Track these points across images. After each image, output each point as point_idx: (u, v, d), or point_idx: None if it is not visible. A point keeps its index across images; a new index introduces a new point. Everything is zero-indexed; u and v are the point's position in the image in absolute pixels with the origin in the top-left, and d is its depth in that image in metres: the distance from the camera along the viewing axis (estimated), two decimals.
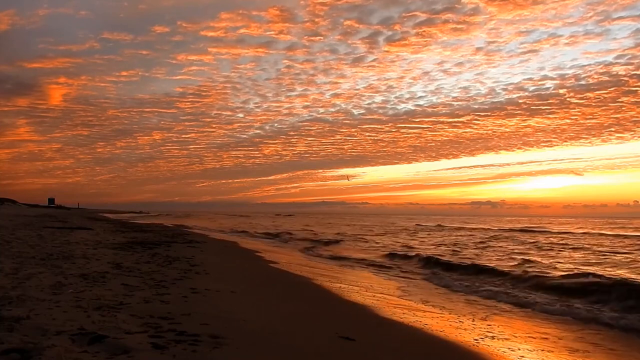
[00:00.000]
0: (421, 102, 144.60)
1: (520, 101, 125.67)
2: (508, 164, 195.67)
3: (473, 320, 8.78)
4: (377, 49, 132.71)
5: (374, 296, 10.70)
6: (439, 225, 59.50)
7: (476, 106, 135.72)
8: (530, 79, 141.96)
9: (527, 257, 20.02)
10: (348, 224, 63.69)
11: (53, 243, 15.95)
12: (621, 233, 41.47)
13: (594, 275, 13.55)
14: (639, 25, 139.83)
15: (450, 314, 9.33)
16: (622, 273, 15.04)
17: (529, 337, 7.76)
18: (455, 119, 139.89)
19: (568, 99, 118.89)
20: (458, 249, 25.23)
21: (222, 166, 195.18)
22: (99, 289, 7.83)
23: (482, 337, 7.41)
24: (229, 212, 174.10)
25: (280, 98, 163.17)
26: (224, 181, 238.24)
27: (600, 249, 25.11)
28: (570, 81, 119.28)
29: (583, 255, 21.91)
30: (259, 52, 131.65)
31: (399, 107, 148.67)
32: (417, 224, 64.81)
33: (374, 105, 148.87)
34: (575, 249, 25.46)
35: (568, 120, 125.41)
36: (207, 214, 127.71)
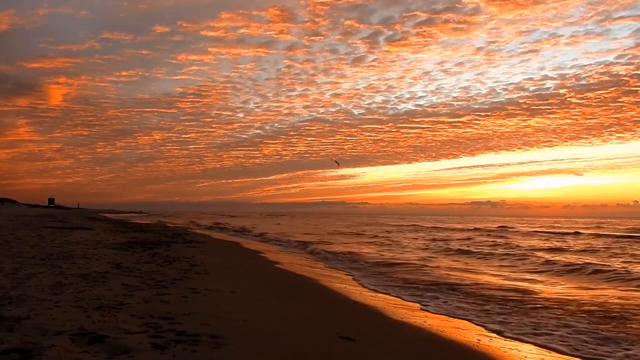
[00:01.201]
0: (421, 102, 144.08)
1: (521, 101, 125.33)
2: (508, 164, 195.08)
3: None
4: (377, 49, 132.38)
5: (376, 296, 10.71)
6: (413, 225, 61.82)
7: (476, 106, 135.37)
8: (530, 78, 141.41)
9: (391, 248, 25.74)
10: (329, 224, 62.32)
11: (53, 243, 15.95)
12: (581, 231, 43.25)
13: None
14: None
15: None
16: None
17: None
18: (456, 119, 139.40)
19: (568, 99, 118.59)
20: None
21: (222, 166, 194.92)
22: (99, 289, 7.83)
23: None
24: (217, 212, 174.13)
25: (280, 98, 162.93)
26: (224, 181, 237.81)
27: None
28: (571, 81, 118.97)
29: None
30: (259, 52, 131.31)
31: (399, 107, 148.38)
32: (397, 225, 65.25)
33: (374, 105, 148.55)
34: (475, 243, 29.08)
35: (568, 120, 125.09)
36: (195, 214, 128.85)
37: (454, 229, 48.49)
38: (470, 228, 51.50)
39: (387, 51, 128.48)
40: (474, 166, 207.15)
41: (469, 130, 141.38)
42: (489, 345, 6.82)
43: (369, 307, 9.13)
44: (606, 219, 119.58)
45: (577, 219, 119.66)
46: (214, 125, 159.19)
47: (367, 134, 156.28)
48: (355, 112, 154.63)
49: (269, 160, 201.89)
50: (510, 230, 47.04)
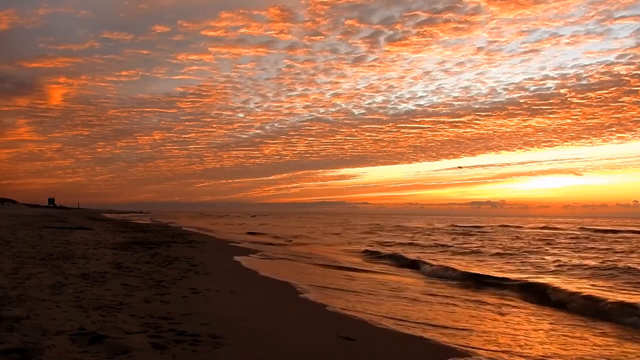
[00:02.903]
0: (422, 102, 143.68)
1: (521, 101, 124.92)
2: (508, 164, 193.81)
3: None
4: (377, 49, 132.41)
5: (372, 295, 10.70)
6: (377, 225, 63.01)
7: (477, 106, 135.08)
8: (531, 78, 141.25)
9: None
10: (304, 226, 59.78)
11: (53, 243, 15.95)
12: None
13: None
14: None
15: None
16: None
17: None
18: (456, 119, 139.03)
19: (569, 99, 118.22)
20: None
21: (222, 166, 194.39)
22: (99, 289, 7.84)
23: None
24: (204, 211, 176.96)
25: (280, 98, 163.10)
26: (224, 181, 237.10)
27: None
28: (572, 81, 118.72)
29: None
30: (259, 51, 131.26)
31: (399, 106, 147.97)
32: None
33: (375, 105, 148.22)
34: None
35: (569, 120, 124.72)
36: (183, 213, 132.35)
37: (415, 229, 48.81)
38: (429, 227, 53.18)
39: (388, 51, 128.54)
40: (475, 166, 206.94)
41: (469, 130, 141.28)
42: None
43: (368, 306, 9.13)
44: (606, 218, 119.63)
45: (576, 218, 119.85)
46: (214, 125, 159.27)
47: (368, 133, 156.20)
48: (356, 112, 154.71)
49: (269, 160, 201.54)
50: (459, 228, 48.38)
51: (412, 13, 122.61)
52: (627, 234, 36.62)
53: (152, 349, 4.72)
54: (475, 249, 23.56)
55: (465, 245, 25.52)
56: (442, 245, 25.58)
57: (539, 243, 27.57)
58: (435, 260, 17.71)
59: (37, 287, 7.51)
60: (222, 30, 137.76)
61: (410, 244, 27.13)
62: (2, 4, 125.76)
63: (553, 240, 30.27)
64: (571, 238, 32.34)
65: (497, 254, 20.89)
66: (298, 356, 5.21)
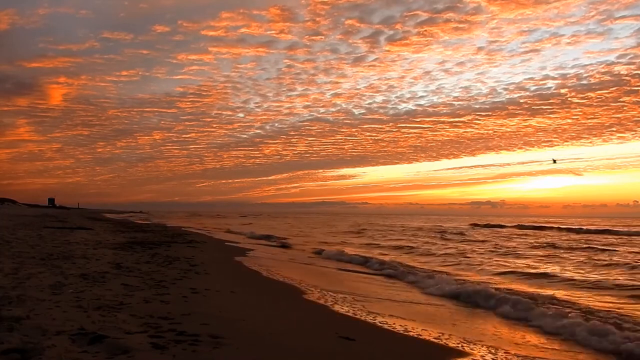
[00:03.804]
0: (422, 102, 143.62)
1: (522, 101, 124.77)
2: (508, 164, 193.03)
3: None
4: (378, 49, 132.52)
5: (371, 295, 10.71)
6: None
7: (477, 106, 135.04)
8: (531, 78, 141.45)
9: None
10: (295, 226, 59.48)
11: (53, 243, 15.94)
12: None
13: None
14: None
15: None
16: None
17: None
18: (456, 119, 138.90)
19: (569, 99, 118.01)
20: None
21: (222, 166, 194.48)
22: (99, 289, 7.83)
23: None
24: (199, 212, 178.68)
25: (280, 98, 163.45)
26: (224, 181, 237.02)
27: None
28: (572, 81, 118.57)
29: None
30: (259, 51, 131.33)
31: (399, 106, 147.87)
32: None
33: (375, 105, 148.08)
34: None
35: (569, 120, 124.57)
36: (179, 214, 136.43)
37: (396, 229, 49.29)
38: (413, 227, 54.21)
39: (388, 51, 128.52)
40: (475, 166, 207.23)
41: (469, 130, 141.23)
42: None
43: (367, 306, 9.14)
44: (606, 218, 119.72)
45: (574, 219, 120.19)
46: (214, 125, 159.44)
47: (368, 133, 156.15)
48: (356, 111, 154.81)
49: (269, 160, 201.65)
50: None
51: (412, 13, 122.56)
52: (600, 235, 37.85)
53: (152, 349, 4.72)
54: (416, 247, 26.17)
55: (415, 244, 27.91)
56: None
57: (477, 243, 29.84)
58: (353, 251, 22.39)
59: (37, 287, 7.51)
60: (222, 30, 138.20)
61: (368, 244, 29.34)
62: (2, 4, 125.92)
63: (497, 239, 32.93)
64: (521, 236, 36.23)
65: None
66: (298, 356, 5.21)
